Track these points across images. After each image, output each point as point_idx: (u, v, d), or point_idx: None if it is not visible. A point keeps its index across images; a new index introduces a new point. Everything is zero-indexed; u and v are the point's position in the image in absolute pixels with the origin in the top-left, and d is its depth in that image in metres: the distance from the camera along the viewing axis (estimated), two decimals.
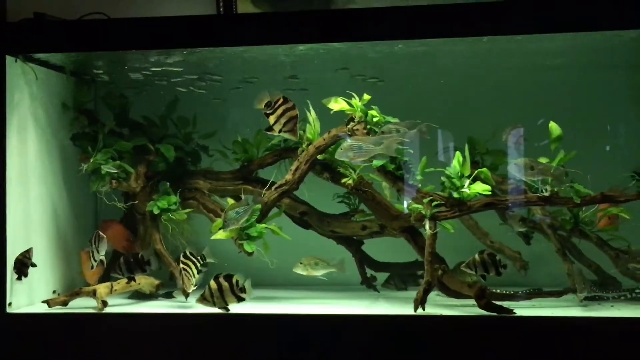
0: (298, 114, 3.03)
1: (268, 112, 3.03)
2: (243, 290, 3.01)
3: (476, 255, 3.04)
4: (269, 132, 3.09)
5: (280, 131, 3.04)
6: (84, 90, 3.61)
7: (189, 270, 3.16)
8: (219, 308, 3.02)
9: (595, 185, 3.10)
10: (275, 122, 3.03)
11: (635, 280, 3.25)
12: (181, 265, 3.19)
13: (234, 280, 2.99)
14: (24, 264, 3.14)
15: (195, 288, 3.20)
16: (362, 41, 3.06)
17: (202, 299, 3.03)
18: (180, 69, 3.47)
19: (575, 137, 3.20)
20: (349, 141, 3.02)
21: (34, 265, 3.18)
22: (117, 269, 3.21)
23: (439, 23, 2.96)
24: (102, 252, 3.17)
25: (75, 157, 3.50)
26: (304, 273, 3.33)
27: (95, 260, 3.18)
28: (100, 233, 3.18)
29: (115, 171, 3.39)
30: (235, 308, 3.07)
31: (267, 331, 2.98)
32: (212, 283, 3.01)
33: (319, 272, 3.34)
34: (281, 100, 3.03)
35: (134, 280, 3.25)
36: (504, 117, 3.52)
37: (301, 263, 3.33)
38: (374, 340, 2.92)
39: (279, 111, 3.02)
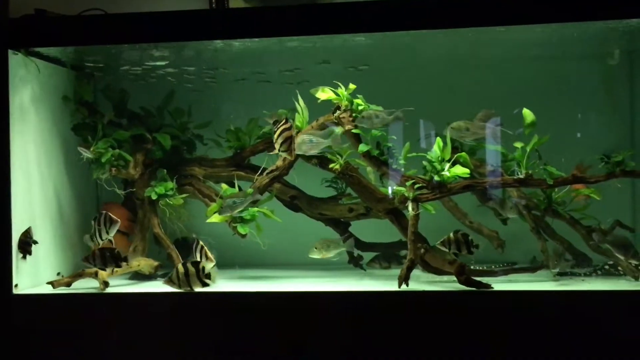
0: (293, 134, 3.20)
1: (274, 129, 3.24)
2: (208, 276, 3.14)
3: (450, 234, 3.18)
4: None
5: (279, 150, 3.23)
6: (83, 83, 3.73)
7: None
8: (184, 290, 3.15)
9: (568, 168, 3.26)
10: (276, 140, 3.23)
11: (605, 256, 3.41)
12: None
13: (200, 267, 3.13)
14: (26, 243, 3.23)
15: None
16: (348, 33, 3.17)
17: (169, 281, 3.15)
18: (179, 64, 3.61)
19: (549, 124, 3.30)
20: (302, 136, 3.23)
21: (35, 242, 3.28)
22: (90, 259, 3.25)
23: (423, 15, 3.04)
24: (112, 234, 3.26)
25: (76, 146, 3.61)
26: (319, 256, 3.41)
27: (103, 240, 3.26)
28: (110, 214, 3.25)
29: (90, 155, 3.48)
30: (232, 287, 3.20)
31: (259, 308, 3.09)
32: (180, 267, 3.13)
33: (332, 254, 3.42)
34: (283, 121, 3.22)
35: (104, 270, 3.30)
36: (482, 105, 3.67)
37: (315, 248, 3.41)
38: (361, 315, 3.04)
39: (278, 131, 3.21)
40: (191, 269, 3.11)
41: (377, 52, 3.57)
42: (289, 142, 3.18)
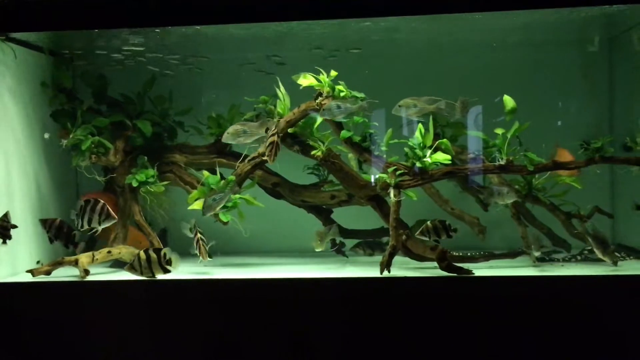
0: (277, 141, 3.24)
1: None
2: (169, 262, 3.16)
3: (428, 223, 3.20)
4: None
5: (264, 154, 3.29)
6: (62, 69, 3.69)
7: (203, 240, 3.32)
8: (145, 277, 3.16)
9: (549, 154, 3.29)
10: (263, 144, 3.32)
11: (584, 242, 3.45)
12: (198, 235, 3.31)
13: (162, 253, 3.15)
14: (4, 228, 3.20)
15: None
16: (336, 19, 3.16)
17: (131, 268, 3.17)
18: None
19: (531, 111, 3.34)
20: (235, 126, 3.28)
21: (15, 226, 3.23)
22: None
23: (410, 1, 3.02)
24: (103, 226, 3.25)
25: (56, 133, 3.60)
26: (323, 248, 3.45)
27: (81, 230, 3.25)
28: (109, 208, 3.22)
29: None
30: (216, 275, 3.22)
31: (244, 294, 3.10)
32: (142, 254, 3.15)
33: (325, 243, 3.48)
34: (273, 128, 3.28)
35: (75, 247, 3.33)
36: (464, 92, 3.69)
37: (319, 240, 3.47)
38: (344, 301, 3.05)
39: (267, 136, 3.25)
40: (153, 255, 3.13)
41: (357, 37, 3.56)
42: (271, 146, 3.22)
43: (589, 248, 3.41)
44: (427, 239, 3.20)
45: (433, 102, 3.17)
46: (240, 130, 3.27)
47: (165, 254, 3.15)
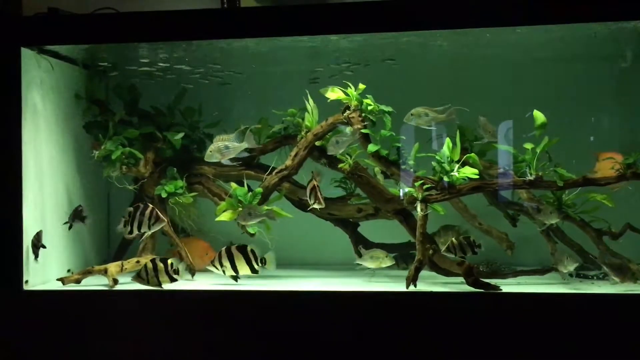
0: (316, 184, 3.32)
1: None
2: (177, 272, 3.19)
3: (453, 239, 3.18)
4: None
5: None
6: (95, 81, 3.77)
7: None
8: (152, 286, 3.20)
9: (579, 170, 3.24)
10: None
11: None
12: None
13: (169, 262, 3.18)
14: (35, 246, 3.27)
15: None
16: (360, 33, 3.19)
17: (138, 277, 3.20)
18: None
19: (560, 126, 3.33)
20: (215, 144, 3.34)
21: (44, 246, 3.30)
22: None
23: (435, 15, 3.04)
24: (153, 230, 3.29)
25: (88, 144, 3.66)
26: (374, 266, 3.43)
27: (139, 233, 3.27)
28: (157, 210, 3.26)
29: None
30: (250, 286, 3.26)
31: (271, 306, 3.12)
32: (149, 263, 3.19)
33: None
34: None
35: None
36: (494, 106, 3.68)
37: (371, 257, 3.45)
38: (369, 315, 3.04)
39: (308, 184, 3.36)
40: (160, 264, 3.16)
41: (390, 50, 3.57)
42: (314, 192, 3.28)
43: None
44: (452, 255, 3.17)
45: (444, 112, 3.16)
46: (222, 147, 3.32)
47: (172, 264, 3.18)
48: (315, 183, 3.29)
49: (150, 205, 3.29)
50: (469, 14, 3.03)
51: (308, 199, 3.31)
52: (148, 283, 3.19)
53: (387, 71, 3.71)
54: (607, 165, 3.23)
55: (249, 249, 3.22)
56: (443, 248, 3.21)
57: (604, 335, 2.92)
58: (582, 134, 3.80)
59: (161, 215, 3.27)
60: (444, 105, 3.18)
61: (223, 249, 3.27)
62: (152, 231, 3.28)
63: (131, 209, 3.29)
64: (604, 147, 3.58)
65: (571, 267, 3.28)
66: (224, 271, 3.24)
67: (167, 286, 3.20)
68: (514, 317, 2.97)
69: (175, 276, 3.19)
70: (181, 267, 3.21)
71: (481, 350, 2.97)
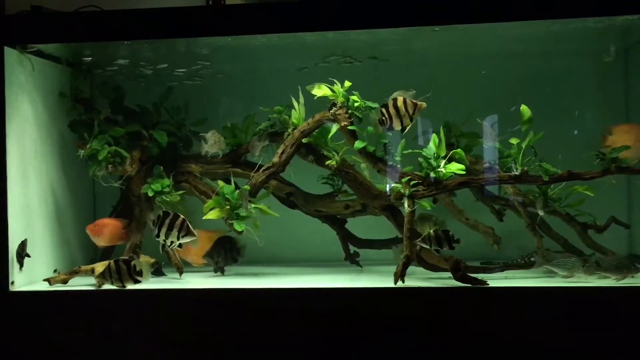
0: None
1: None
2: (140, 273, 3.18)
3: (431, 230, 3.16)
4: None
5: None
6: (80, 79, 3.74)
7: None
8: (116, 286, 3.20)
9: (564, 165, 3.25)
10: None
11: (601, 252, 3.43)
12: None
13: (132, 264, 3.18)
14: (19, 255, 3.25)
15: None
16: (347, 30, 3.18)
17: (101, 276, 3.20)
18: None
19: (546, 121, 3.32)
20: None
21: (28, 255, 3.28)
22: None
23: (421, 11, 3.05)
24: (182, 242, 3.24)
25: (73, 143, 3.63)
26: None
27: (168, 244, 3.22)
28: (188, 224, 3.20)
29: None
30: (238, 284, 3.27)
31: (261, 303, 3.12)
32: (112, 264, 3.18)
33: None
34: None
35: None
36: (477, 102, 3.70)
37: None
38: (358, 311, 3.06)
39: None
40: (123, 266, 3.16)
41: (374, 47, 3.58)
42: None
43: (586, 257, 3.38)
44: (427, 246, 3.16)
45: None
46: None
47: (135, 265, 3.17)
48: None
49: (182, 216, 3.24)
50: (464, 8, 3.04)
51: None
52: (112, 283, 3.19)
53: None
54: (622, 138, 3.22)
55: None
56: (419, 239, 3.19)
57: (589, 327, 2.95)
58: (566, 129, 3.84)
59: (192, 229, 3.22)
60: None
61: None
62: (180, 242, 3.23)
63: (161, 213, 3.24)
64: (588, 142, 3.62)
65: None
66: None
67: (134, 286, 3.19)
68: (501, 311, 2.99)
69: (138, 278, 3.17)
70: (144, 269, 3.20)
71: (470, 345, 2.99)
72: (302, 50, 3.58)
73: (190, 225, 3.22)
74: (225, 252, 3.52)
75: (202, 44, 3.46)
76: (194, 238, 3.24)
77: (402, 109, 3.12)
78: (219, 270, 3.52)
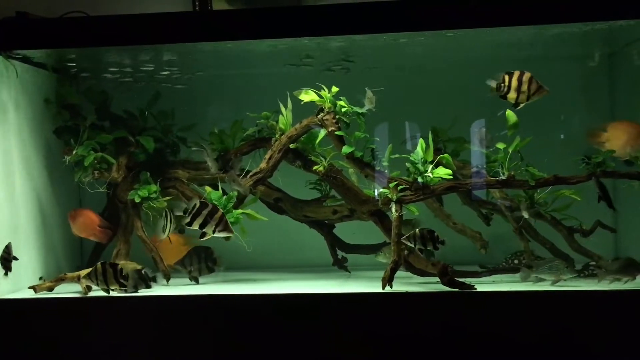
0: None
1: None
2: (126, 278, 3.18)
3: (416, 230, 3.15)
4: None
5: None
6: (65, 85, 3.71)
7: None
8: (101, 289, 3.20)
9: (551, 169, 3.26)
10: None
11: (587, 256, 3.46)
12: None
13: (119, 268, 3.18)
14: (6, 260, 3.22)
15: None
16: (333, 35, 3.19)
17: (87, 278, 3.20)
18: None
19: (532, 125, 3.33)
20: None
21: (16, 258, 3.26)
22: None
23: (408, 17, 3.06)
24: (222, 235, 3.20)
25: (59, 149, 3.60)
26: (385, 261, 3.45)
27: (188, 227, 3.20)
28: (221, 210, 3.16)
29: None
30: (223, 290, 3.27)
31: (248, 309, 3.11)
32: (99, 266, 3.18)
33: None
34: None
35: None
36: (464, 107, 3.71)
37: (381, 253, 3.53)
38: (345, 316, 3.05)
39: None
40: (109, 269, 3.15)
41: (360, 52, 3.58)
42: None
43: (593, 263, 3.39)
44: (411, 244, 3.15)
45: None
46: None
47: (121, 269, 3.16)
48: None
49: (220, 210, 3.20)
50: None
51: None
52: (97, 285, 3.19)
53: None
54: (617, 135, 3.24)
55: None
56: (403, 237, 3.18)
57: (577, 331, 2.97)
58: (552, 133, 3.86)
59: (230, 226, 3.18)
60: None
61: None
62: (213, 236, 3.18)
63: (198, 202, 3.18)
64: (573, 147, 3.64)
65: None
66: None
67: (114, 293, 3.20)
68: (489, 315, 3.00)
69: (124, 282, 3.17)
70: (130, 273, 3.20)
71: (459, 349, 3.00)
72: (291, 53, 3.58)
73: (228, 222, 3.18)
74: (200, 262, 3.48)
75: (193, 49, 3.45)
76: (230, 234, 3.20)
77: (526, 85, 3.02)
78: (193, 279, 3.50)
